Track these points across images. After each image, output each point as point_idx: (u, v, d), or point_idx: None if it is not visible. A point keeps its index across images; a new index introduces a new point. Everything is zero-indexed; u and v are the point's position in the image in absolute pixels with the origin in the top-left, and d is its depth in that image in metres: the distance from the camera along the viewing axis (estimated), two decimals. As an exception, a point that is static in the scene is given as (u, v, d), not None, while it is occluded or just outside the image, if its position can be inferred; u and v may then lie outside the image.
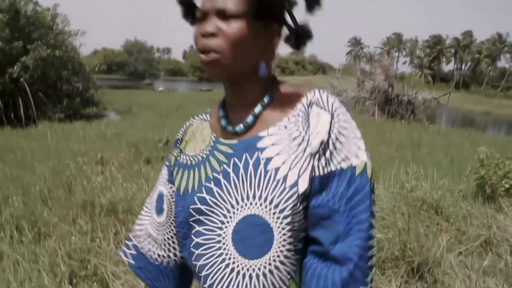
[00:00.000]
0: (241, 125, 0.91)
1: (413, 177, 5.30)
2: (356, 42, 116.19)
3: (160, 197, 1.06)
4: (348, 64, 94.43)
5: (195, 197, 0.92)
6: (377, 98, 19.77)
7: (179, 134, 1.08)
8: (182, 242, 0.97)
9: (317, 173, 0.82)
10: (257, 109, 0.91)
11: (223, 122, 0.95)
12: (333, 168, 0.82)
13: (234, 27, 0.84)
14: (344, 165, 0.82)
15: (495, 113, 46.39)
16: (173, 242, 1.05)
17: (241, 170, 0.87)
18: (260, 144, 0.87)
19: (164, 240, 1.05)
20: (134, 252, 1.10)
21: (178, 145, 1.06)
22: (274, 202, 0.82)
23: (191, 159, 0.98)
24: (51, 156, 7.50)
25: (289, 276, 0.85)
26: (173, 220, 1.03)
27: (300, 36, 0.90)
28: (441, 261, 3.23)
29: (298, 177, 0.82)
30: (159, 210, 1.06)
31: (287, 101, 0.91)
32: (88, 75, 21.96)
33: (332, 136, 0.83)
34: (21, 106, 17.45)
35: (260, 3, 0.84)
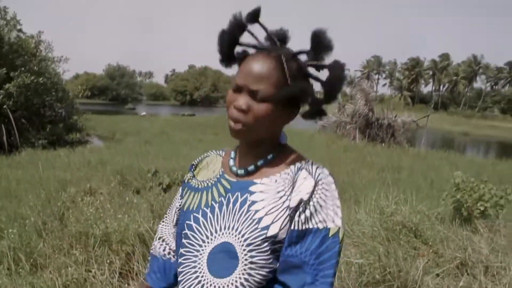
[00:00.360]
0: (243, 170, 1.09)
1: (393, 201, 5.52)
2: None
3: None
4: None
5: (192, 215, 1.12)
6: (358, 122, 20.17)
7: (195, 161, 1.27)
8: (176, 249, 1.17)
9: (296, 227, 0.98)
10: (260, 162, 1.09)
11: (231, 162, 1.14)
12: (311, 226, 0.97)
13: (262, 107, 1.01)
14: (320, 225, 0.96)
15: (473, 134, 47.40)
16: None
17: (231, 204, 1.06)
18: (251, 188, 1.05)
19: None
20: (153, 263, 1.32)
21: (192, 170, 1.26)
22: (245, 237, 0.99)
23: (200, 183, 1.18)
24: (37, 185, 7.56)
25: None
26: None
27: (317, 114, 1.09)
28: (420, 284, 3.42)
29: (271, 223, 0.99)
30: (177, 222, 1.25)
31: (285, 162, 1.08)
32: (72, 101, 21.97)
33: (314, 199, 0.98)
34: (4, 133, 17.39)
35: (288, 95, 1.01)
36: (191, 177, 1.23)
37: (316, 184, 0.99)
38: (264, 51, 1.05)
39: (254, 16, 1.08)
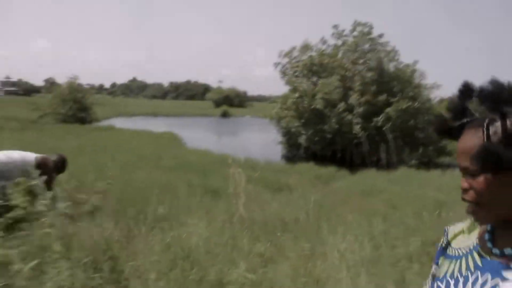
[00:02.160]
0: (498, 250, 0.95)
1: None
2: None
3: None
4: None
5: (436, 284, 1.06)
6: None
7: (450, 226, 1.17)
8: None
9: None
10: None
11: (486, 236, 1.00)
12: None
13: (478, 182, 0.91)
14: None
15: None
16: None
17: (478, 286, 0.93)
18: (506, 274, 0.90)
19: None
20: None
21: (446, 235, 1.15)
22: None
23: (453, 251, 1.09)
24: (412, 201, 8.49)
25: None
26: None
27: None
28: None
29: None
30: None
31: None
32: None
33: None
34: (383, 151, 19.71)
35: (487, 162, 0.86)
36: (447, 244, 1.13)
37: None
38: (471, 125, 0.95)
39: (466, 92, 0.98)
